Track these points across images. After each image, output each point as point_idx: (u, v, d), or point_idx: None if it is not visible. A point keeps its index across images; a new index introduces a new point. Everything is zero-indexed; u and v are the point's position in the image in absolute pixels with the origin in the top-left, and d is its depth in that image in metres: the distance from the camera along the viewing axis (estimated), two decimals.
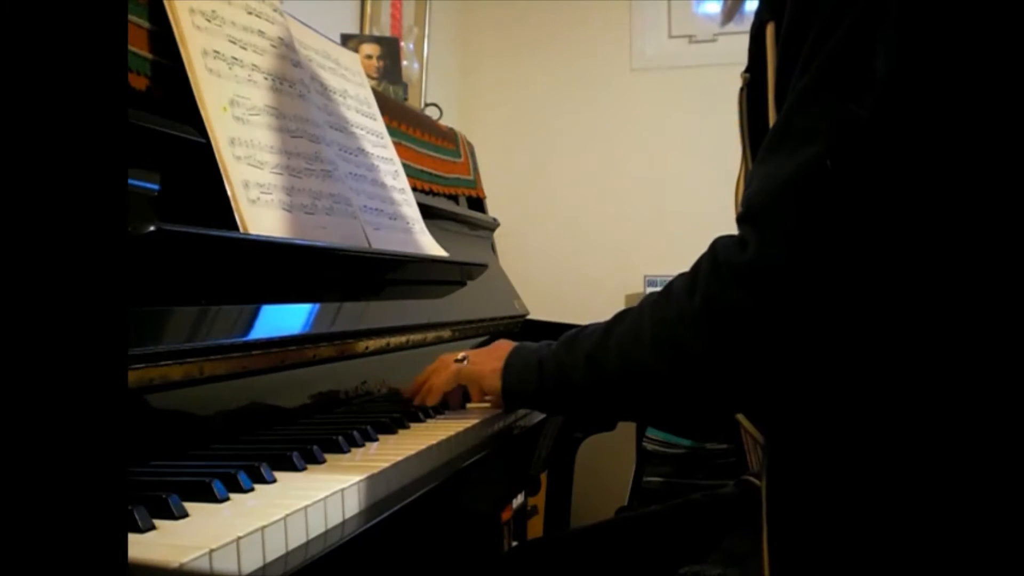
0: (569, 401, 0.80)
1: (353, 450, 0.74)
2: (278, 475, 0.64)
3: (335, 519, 0.59)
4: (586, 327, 0.80)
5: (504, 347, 0.88)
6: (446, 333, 1.23)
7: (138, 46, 0.80)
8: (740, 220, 0.64)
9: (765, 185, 0.62)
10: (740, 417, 0.81)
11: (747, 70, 0.74)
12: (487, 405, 0.94)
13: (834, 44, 0.59)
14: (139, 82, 0.79)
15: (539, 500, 2.08)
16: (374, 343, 1.02)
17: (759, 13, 0.71)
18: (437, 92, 2.31)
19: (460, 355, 0.91)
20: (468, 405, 0.97)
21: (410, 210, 1.21)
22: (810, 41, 0.61)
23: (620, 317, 0.75)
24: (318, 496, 0.58)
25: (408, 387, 0.98)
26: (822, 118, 0.59)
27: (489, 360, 0.88)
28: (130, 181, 0.74)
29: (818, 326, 0.61)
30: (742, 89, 0.75)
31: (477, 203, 1.73)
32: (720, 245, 0.66)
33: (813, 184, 0.59)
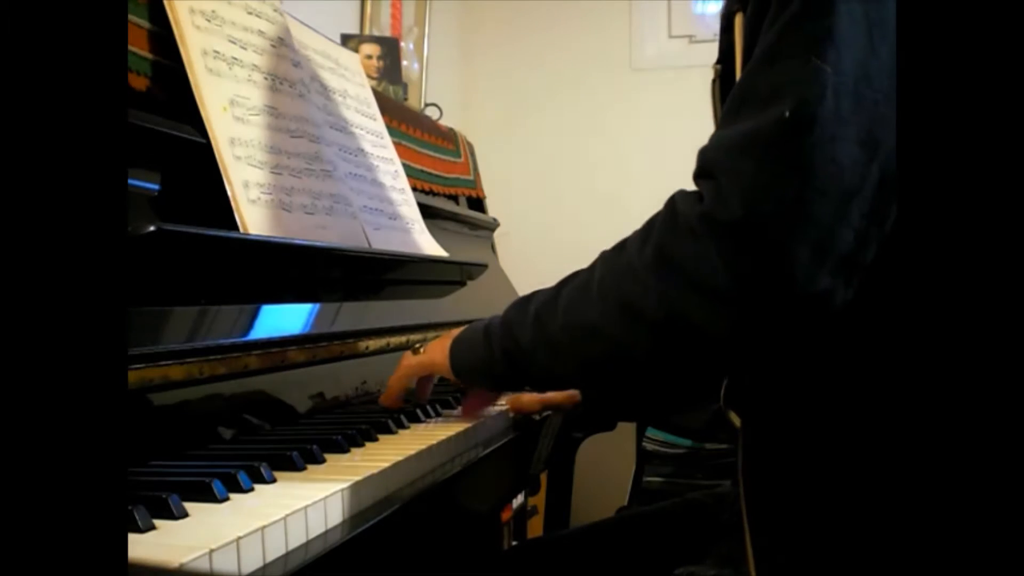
0: (518, 367, 0.75)
1: (353, 450, 0.74)
2: (278, 475, 0.64)
3: (335, 519, 0.59)
4: (538, 290, 0.76)
5: (457, 329, 0.85)
6: None
7: (138, 46, 0.80)
8: (696, 176, 0.62)
9: (722, 141, 0.60)
10: (732, 416, 0.80)
11: (718, 61, 0.73)
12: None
13: (793, 8, 0.57)
14: (139, 82, 0.79)
15: (539, 500, 2.08)
16: (374, 343, 1.02)
17: (728, 3, 0.70)
18: (437, 92, 2.31)
19: (417, 345, 0.89)
20: (451, 412, 0.95)
21: (410, 210, 1.21)
22: (769, 15, 0.59)
23: (573, 274, 0.72)
24: (318, 496, 0.58)
25: (387, 397, 0.93)
26: (782, 75, 0.57)
27: (441, 342, 0.85)
28: (130, 181, 0.74)
29: (760, 287, 0.57)
30: (714, 80, 0.75)
31: (477, 203, 1.73)
32: (678, 197, 0.63)
33: (773, 133, 0.57)
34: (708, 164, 0.61)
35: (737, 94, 0.61)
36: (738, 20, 0.67)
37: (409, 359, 0.88)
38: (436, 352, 0.85)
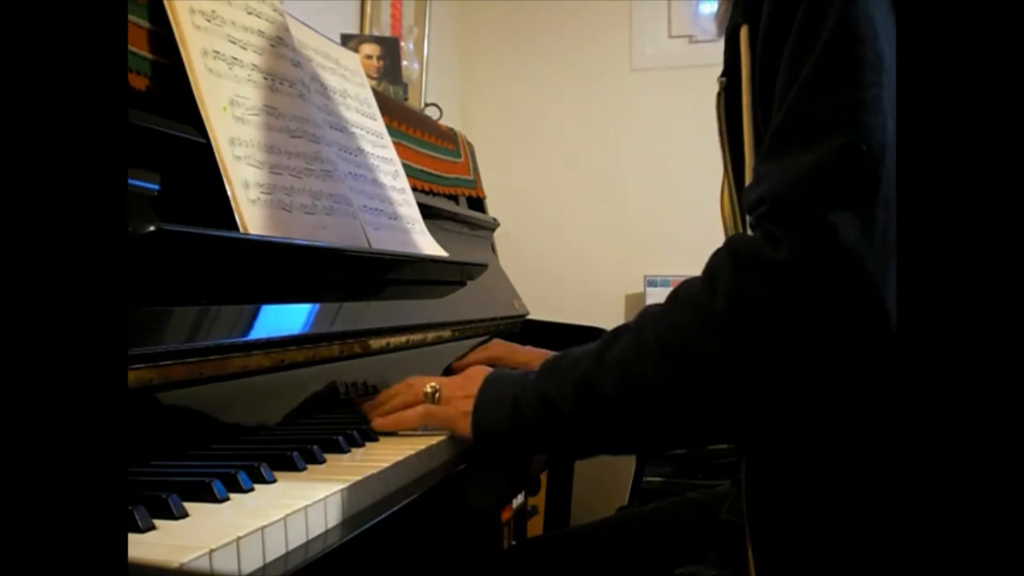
0: (555, 436, 0.71)
1: (353, 450, 0.74)
2: (278, 475, 0.64)
3: (335, 519, 0.59)
4: (570, 351, 0.71)
5: (478, 377, 0.78)
6: (446, 333, 1.23)
7: (138, 46, 0.80)
8: (763, 217, 0.59)
9: (788, 178, 0.57)
10: None
11: (724, 74, 0.72)
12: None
13: (832, 31, 0.56)
14: (139, 82, 0.79)
15: (539, 500, 2.08)
16: (374, 343, 1.02)
17: (733, 16, 0.69)
18: (437, 92, 2.31)
19: (430, 386, 0.81)
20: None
21: (410, 210, 1.21)
22: (795, 32, 0.58)
23: (616, 334, 0.68)
24: (318, 496, 0.58)
25: (369, 403, 0.88)
26: (841, 103, 0.55)
27: (459, 397, 0.79)
28: (130, 181, 0.74)
29: (866, 334, 0.55)
30: (719, 94, 0.73)
31: (477, 203, 1.73)
32: (740, 243, 0.60)
33: (849, 168, 0.54)
34: (780, 207, 0.57)
35: (785, 123, 0.58)
36: (743, 33, 0.66)
37: (429, 411, 0.80)
38: (458, 416, 0.78)
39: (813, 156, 0.56)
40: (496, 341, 0.89)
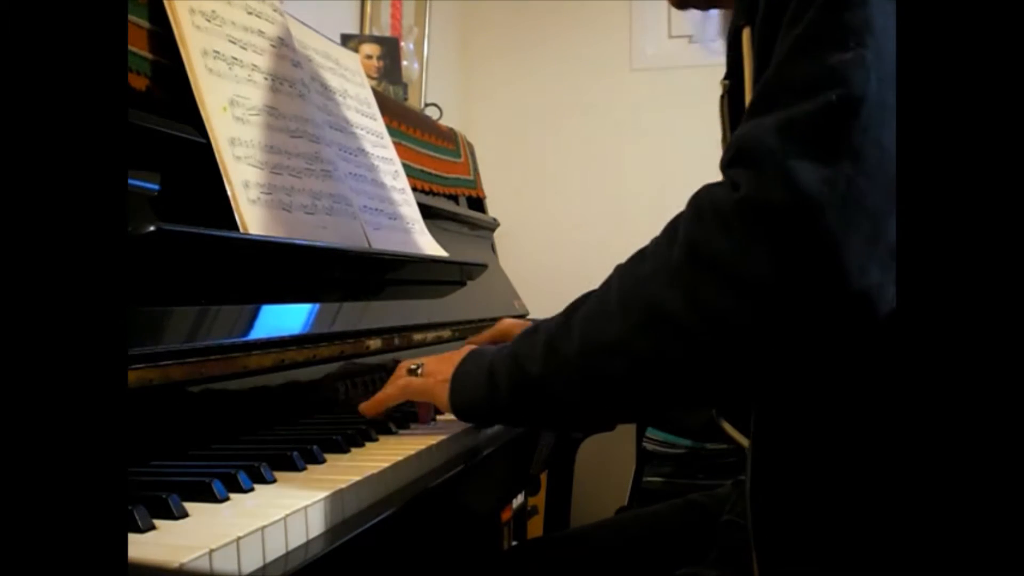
0: (525, 399, 0.69)
1: (353, 450, 0.74)
2: (278, 475, 0.64)
3: (336, 519, 0.59)
4: (546, 318, 0.70)
5: (459, 354, 0.78)
6: (446, 333, 1.23)
7: (138, 46, 0.80)
8: (727, 163, 0.57)
9: (757, 126, 0.55)
10: (725, 425, 0.79)
11: (726, 77, 0.71)
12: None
13: (821, 2, 0.55)
14: (139, 82, 0.79)
15: (539, 500, 2.08)
16: (374, 343, 1.02)
17: (734, 18, 0.68)
18: (437, 92, 2.31)
19: (414, 363, 0.82)
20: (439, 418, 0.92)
21: (410, 210, 1.21)
22: (789, 14, 0.57)
23: (586, 296, 0.67)
24: (319, 496, 0.58)
25: (370, 405, 0.87)
26: (821, 65, 0.54)
27: (441, 369, 0.78)
28: (130, 181, 0.74)
29: (809, 278, 0.53)
30: (722, 97, 0.72)
31: (477, 203, 1.73)
32: (703, 192, 0.59)
33: (818, 116, 0.53)
34: (746, 149, 0.55)
35: (771, 83, 0.57)
36: (745, 35, 0.66)
37: (410, 382, 0.81)
38: (436, 384, 0.78)
39: (784, 109, 0.54)
40: (505, 319, 0.87)
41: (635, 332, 0.59)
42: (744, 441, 0.75)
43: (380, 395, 0.83)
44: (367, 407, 0.84)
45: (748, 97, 0.64)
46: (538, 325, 0.70)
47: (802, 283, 0.53)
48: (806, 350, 0.56)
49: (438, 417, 0.90)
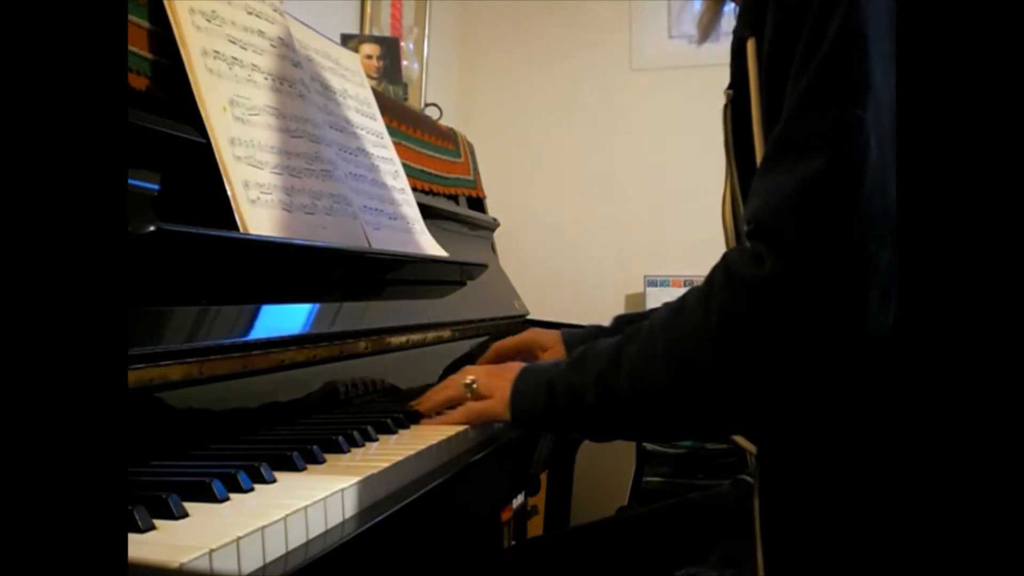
0: (581, 423, 0.79)
1: (353, 450, 0.74)
2: (278, 475, 0.64)
3: (335, 519, 0.59)
4: (595, 344, 0.78)
5: (511, 371, 0.85)
6: (446, 333, 1.23)
7: (138, 46, 0.80)
8: (751, 235, 0.64)
9: (772, 197, 0.61)
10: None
11: (730, 87, 0.74)
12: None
13: (826, 49, 0.58)
14: (139, 82, 0.79)
15: (539, 500, 2.08)
16: (374, 343, 1.02)
17: (738, 29, 0.70)
18: (437, 92, 2.31)
19: (469, 378, 0.88)
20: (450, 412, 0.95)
21: (410, 210, 1.21)
22: (800, 49, 0.60)
23: (632, 336, 0.74)
24: (318, 496, 0.58)
25: (420, 401, 0.93)
26: (824, 125, 0.58)
27: (498, 386, 0.86)
28: (130, 181, 0.74)
29: (832, 341, 0.60)
30: (726, 106, 0.75)
31: (477, 203, 1.73)
32: (732, 260, 0.65)
33: (825, 189, 0.58)
34: (762, 227, 0.62)
35: (778, 139, 0.62)
36: (750, 46, 0.67)
37: (470, 407, 0.87)
38: (498, 402, 0.85)
39: (794, 178, 0.59)
40: (508, 364, 0.91)
41: (678, 382, 0.68)
42: (750, 447, 0.75)
43: (445, 418, 0.88)
44: (429, 423, 0.89)
45: (755, 109, 0.67)
46: (587, 356, 0.77)
47: (830, 344, 0.60)
48: (821, 383, 0.63)
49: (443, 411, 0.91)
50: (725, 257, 0.66)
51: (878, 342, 0.59)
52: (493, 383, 0.86)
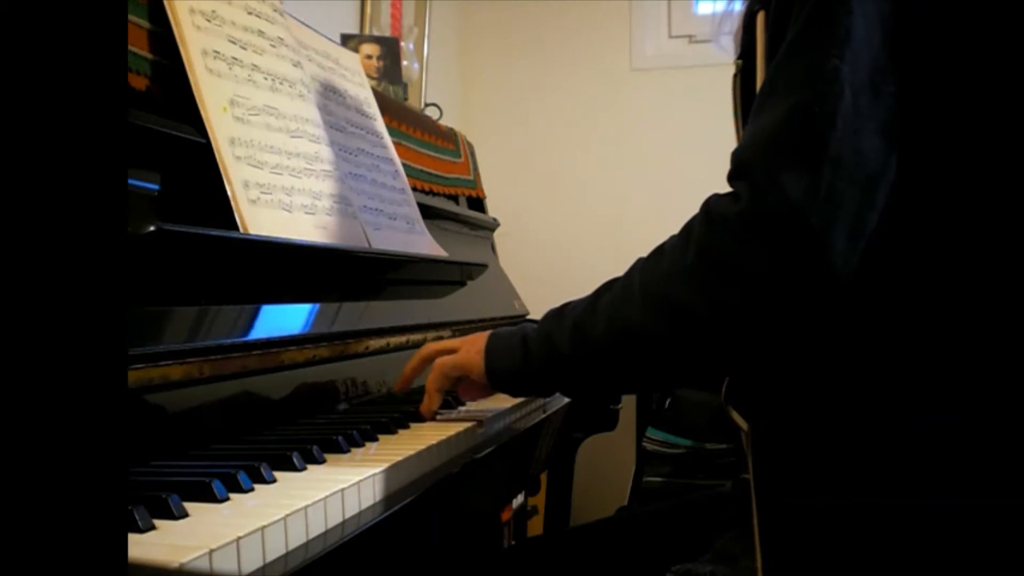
0: (557, 374, 0.77)
1: (353, 450, 0.74)
2: (278, 475, 0.64)
3: (335, 519, 0.59)
4: (569, 301, 0.78)
5: (485, 333, 0.86)
6: (446, 333, 1.23)
7: (138, 46, 0.80)
8: (731, 176, 0.65)
9: (752, 139, 0.63)
10: (731, 411, 0.80)
11: (739, 57, 0.76)
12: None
13: (813, 4, 0.61)
14: (139, 82, 0.79)
15: (539, 500, 2.08)
16: (374, 343, 1.02)
17: (751, 4, 0.73)
18: (437, 92, 2.31)
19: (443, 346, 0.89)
20: (462, 408, 0.96)
21: (410, 210, 1.21)
22: (794, 9, 0.63)
23: (609, 283, 0.74)
24: (318, 496, 0.58)
25: (399, 382, 0.94)
26: (802, 71, 0.61)
27: (473, 344, 0.86)
28: (130, 181, 0.74)
29: (799, 275, 0.61)
30: (735, 75, 0.77)
31: (477, 203, 1.73)
32: (713, 201, 0.66)
33: (800, 129, 0.60)
34: (741, 165, 0.64)
35: (763, 89, 0.65)
36: (760, 18, 0.69)
37: (443, 360, 0.87)
38: (471, 355, 0.85)
39: (772, 117, 0.62)
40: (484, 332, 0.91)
41: (654, 319, 0.68)
42: (742, 423, 0.76)
43: (427, 388, 0.88)
44: (425, 407, 0.89)
45: (760, 78, 0.69)
46: (564, 308, 0.78)
47: (797, 278, 0.61)
48: (795, 326, 0.65)
49: (437, 417, 0.91)
50: (707, 201, 0.67)
51: (851, 291, 0.61)
52: (466, 340, 0.87)
